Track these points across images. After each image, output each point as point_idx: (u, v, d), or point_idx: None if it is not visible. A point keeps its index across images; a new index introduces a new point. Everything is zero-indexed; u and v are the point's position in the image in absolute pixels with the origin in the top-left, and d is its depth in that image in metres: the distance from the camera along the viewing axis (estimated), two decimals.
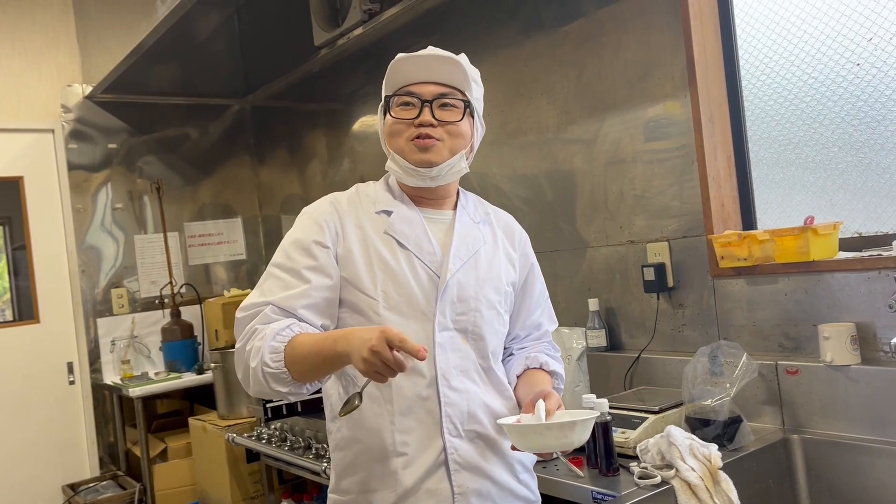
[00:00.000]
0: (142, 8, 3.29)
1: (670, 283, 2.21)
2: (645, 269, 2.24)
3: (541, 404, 1.24)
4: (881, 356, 1.76)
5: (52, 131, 4.00)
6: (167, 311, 4.08)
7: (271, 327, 1.28)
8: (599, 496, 1.61)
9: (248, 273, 4.57)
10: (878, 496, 1.69)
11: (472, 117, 1.42)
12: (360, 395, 1.21)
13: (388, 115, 1.40)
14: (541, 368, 1.47)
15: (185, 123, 4.39)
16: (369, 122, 3.60)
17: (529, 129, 2.66)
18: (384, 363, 1.12)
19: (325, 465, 2.41)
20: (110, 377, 3.97)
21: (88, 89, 4.01)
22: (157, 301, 4.13)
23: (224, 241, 4.48)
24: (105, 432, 4.08)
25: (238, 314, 1.34)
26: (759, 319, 2.00)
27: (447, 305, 1.36)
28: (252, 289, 4.16)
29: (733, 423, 1.79)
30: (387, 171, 1.47)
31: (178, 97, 4.35)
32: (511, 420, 1.29)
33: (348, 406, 1.21)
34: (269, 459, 2.99)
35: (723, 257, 2.02)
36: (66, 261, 4.01)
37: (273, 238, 4.55)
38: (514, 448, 1.28)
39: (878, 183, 1.88)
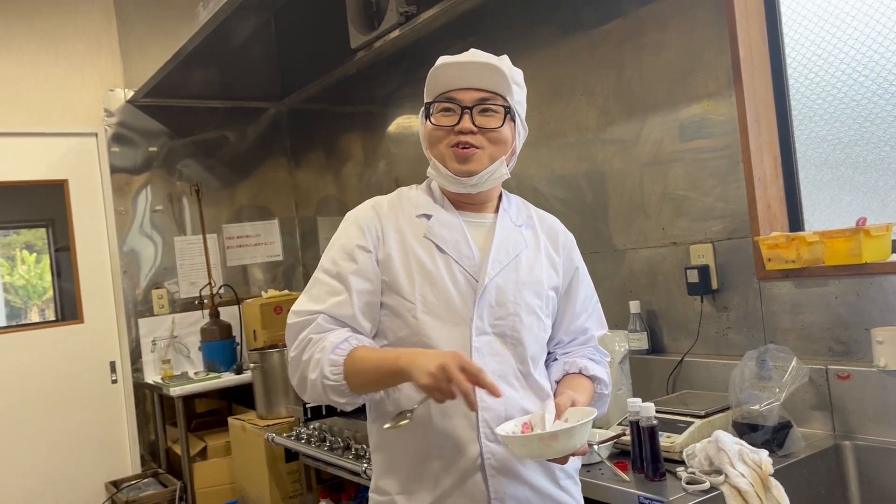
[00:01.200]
0: (181, 13, 3.34)
1: (714, 285, 2.18)
2: (688, 270, 2.21)
3: (546, 411, 1.26)
4: None
5: (96, 135, 4.08)
6: (206, 311, 4.13)
7: (329, 339, 1.31)
8: (646, 501, 1.59)
9: (284, 274, 4.61)
10: None
11: (514, 121, 1.41)
12: (411, 412, 1.24)
13: (428, 121, 1.40)
14: (580, 373, 1.45)
15: (222, 127, 4.45)
16: (405, 124, 3.61)
17: (568, 130, 2.64)
18: (449, 382, 1.14)
19: (366, 465, 2.42)
20: (151, 376, 4.04)
21: (130, 94, 4.09)
22: (196, 302, 4.19)
23: (261, 242, 4.53)
24: (146, 430, 4.14)
25: (290, 319, 1.37)
26: (807, 323, 1.96)
27: (485, 310, 1.36)
28: (288, 290, 4.16)
29: (783, 428, 1.75)
30: (428, 176, 1.47)
31: (215, 101, 4.41)
32: (508, 429, 1.28)
33: (398, 419, 1.24)
34: (307, 459, 3.02)
35: (769, 259, 1.99)
36: (109, 262, 4.09)
37: (309, 240, 4.59)
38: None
39: None
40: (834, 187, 2.04)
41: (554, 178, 2.72)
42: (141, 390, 4.11)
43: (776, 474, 1.59)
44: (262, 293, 4.11)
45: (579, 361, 1.46)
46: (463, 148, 1.35)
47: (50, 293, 4.09)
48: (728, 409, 1.87)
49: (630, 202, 2.44)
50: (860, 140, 1.96)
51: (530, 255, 1.44)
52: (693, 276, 2.19)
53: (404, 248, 1.39)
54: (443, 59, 1.39)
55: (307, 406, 2.78)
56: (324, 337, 1.32)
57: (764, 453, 1.60)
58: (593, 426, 1.98)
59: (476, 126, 1.35)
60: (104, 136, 4.07)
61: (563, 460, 1.26)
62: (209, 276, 4.22)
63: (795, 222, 2.10)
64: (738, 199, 2.10)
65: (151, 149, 4.19)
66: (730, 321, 2.17)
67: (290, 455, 3.22)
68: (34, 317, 4.05)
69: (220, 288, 4.25)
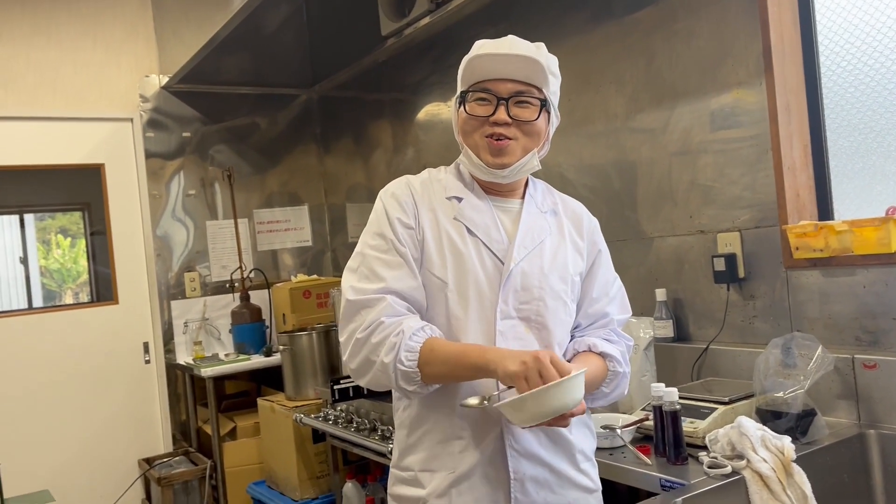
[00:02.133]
0: (216, 0, 3.40)
1: (741, 273, 2.18)
2: (715, 259, 2.21)
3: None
4: None
5: (131, 120, 4.16)
6: (237, 294, 4.21)
7: (407, 325, 1.32)
8: (668, 484, 1.61)
9: (313, 259, 4.67)
10: None
11: (548, 113, 1.42)
12: (489, 399, 1.29)
13: (462, 109, 1.40)
14: (589, 350, 1.45)
15: (254, 113, 4.51)
16: (434, 112, 3.63)
17: (597, 118, 2.65)
18: (538, 372, 1.19)
19: (391, 446, 2.46)
20: (183, 357, 4.13)
21: (164, 80, 4.16)
22: (227, 285, 4.27)
23: (291, 227, 4.60)
24: (177, 410, 4.24)
25: (351, 296, 1.36)
26: (834, 312, 1.96)
27: (510, 294, 1.38)
28: (317, 275, 4.19)
29: (807, 416, 1.76)
30: (457, 161, 1.49)
31: (247, 87, 4.47)
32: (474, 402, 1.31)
33: (468, 402, 1.29)
34: (334, 440, 3.07)
35: (797, 248, 1.98)
36: (143, 245, 4.18)
37: (338, 226, 4.64)
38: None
39: None
40: (865, 176, 2.02)
41: (582, 166, 2.73)
42: (173, 371, 4.21)
43: (799, 461, 1.60)
44: (292, 277, 4.17)
45: (588, 340, 1.46)
46: (497, 139, 1.36)
47: (83, 277, 4.19)
48: (752, 396, 1.88)
49: (658, 190, 2.45)
50: (893, 129, 1.95)
51: (554, 242, 1.46)
52: (720, 265, 2.20)
53: (437, 227, 1.40)
54: (480, 48, 1.38)
55: (335, 388, 2.83)
56: (399, 321, 1.33)
57: (787, 439, 1.61)
58: (618, 411, 2.01)
59: (511, 118, 1.36)
60: (139, 121, 4.15)
61: (563, 422, 1.26)
62: (240, 260, 4.30)
63: (825, 211, 2.09)
64: (766, 187, 2.10)
65: (185, 134, 4.27)
66: (756, 310, 2.17)
67: (318, 436, 3.28)
68: (68, 300, 4.16)
69: (250, 272, 4.33)
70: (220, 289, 4.30)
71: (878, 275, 1.86)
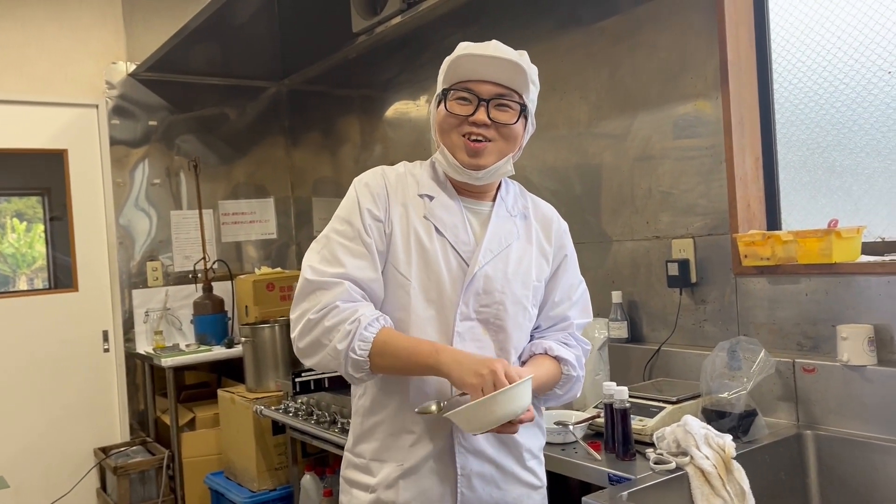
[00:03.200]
0: None
1: (693, 278, 2.27)
2: (669, 264, 2.30)
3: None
4: None
5: (97, 107, 4.12)
6: (199, 285, 4.20)
7: (362, 313, 1.33)
8: (615, 478, 1.68)
9: (277, 252, 4.68)
10: (888, 494, 1.74)
11: (525, 119, 1.44)
12: (444, 403, 1.31)
13: (442, 107, 1.41)
14: (545, 354, 1.47)
15: (222, 104, 4.50)
16: (403, 110, 3.67)
17: (561, 123, 2.72)
18: (493, 385, 1.22)
19: None
20: (143, 347, 4.11)
21: (132, 67, 4.13)
22: (190, 276, 4.26)
23: (256, 220, 4.60)
24: (135, 400, 4.22)
25: (309, 276, 1.37)
26: (778, 318, 2.06)
27: (472, 296, 1.40)
28: (281, 267, 4.19)
29: (748, 416, 1.85)
30: (432, 158, 1.51)
31: (216, 77, 4.45)
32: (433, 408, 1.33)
33: (425, 408, 1.32)
34: (294, 432, 3.10)
35: (746, 256, 2.07)
36: (105, 232, 4.15)
37: (304, 219, 4.66)
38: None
39: None
40: (811, 189, 2.12)
41: (545, 170, 2.80)
42: (132, 360, 4.19)
43: (739, 458, 1.68)
44: (256, 270, 4.17)
45: (544, 343, 1.48)
46: (475, 141, 1.38)
47: (39, 262, 4.14)
48: (699, 396, 1.97)
49: (617, 196, 2.52)
50: (837, 146, 2.05)
51: (521, 246, 1.48)
52: (673, 270, 2.28)
53: (406, 223, 1.41)
54: (465, 49, 1.40)
55: (296, 380, 2.86)
56: (355, 308, 1.33)
57: (728, 438, 1.70)
58: (572, 408, 2.07)
59: (490, 119, 1.38)
60: (105, 107, 4.12)
61: (512, 429, 1.29)
62: (204, 250, 4.29)
63: (773, 222, 2.19)
64: (719, 196, 2.19)
65: (151, 122, 4.24)
66: (706, 314, 2.26)
67: (278, 428, 3.30)
68: (22, 285, 4.10)
69: (213, 263, 4.32)
70: (183, 279, 4.28)
71: (819, 283, 1.96)
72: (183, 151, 4.34)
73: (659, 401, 1.97)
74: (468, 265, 1.41)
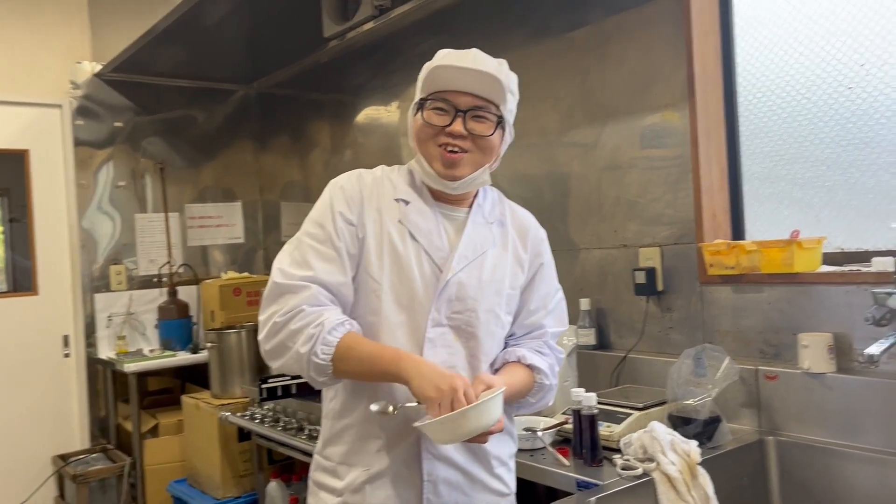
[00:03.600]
0: None
1: (660, 287, 2.31)
2: (636, 272, 2.33)
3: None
4: (855, 366, 1.85)
5: (60, 107, 4.05)
6: (164, 290, 4.14)
7: (327, 317, 1.33)
8: (584, 484, 1.70)
9: (244, 256, 4.64)
10: (846, 498, 1.78)
11: (503, 130, 1.44)
12: (400, 407, 1.32)
13: (419, 116, 1.41)
14: (518, 362, 1.48)
15: (190, 106, 4.45)
16: (374, 115, 3.67)
17: (532, 132, 2.74)
18: (451, 401, 1.23)
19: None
20: (105, 352, 4.03)
21: (98, 67, 4.07)
22: (155, 280, 4.19)
23: (223, 224, 4.55)
24: (96, 406, 4.14)
25: (278, 279, 1.37)
26: (742, 326, 2.10)
27: (444, 303, 1.41)
28: (248, 272, 4.16)
29: (713, 422, 1.88)
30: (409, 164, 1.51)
31: (184, 79, 4.41)
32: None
33: (383, 407, 1.32)
34: (260, 439, 3.07)
35: (711, 265, 2.11)
36: (68, 235, 4.07)
37: (271, 224, 4.62)
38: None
39: (862, 202, 1.98)
40: (774, 201, 2.18)
41: (516, 177, 2.82)
42: (93, 365, 4.11)
43: (704, 464, 1.71)
44: (222, 274, 4.14)
45: (518, 351, 1.49)
46: (451, 152, 1.38)
47: (1, 264, 4.05)
48: (665, 402, 2.00)
49: (586, 204, 2.56)
50: (799, 158, 2.10)
51: (496, 254, 1.48)
52: (641, 278, 2.31)
53: (380, 228, 1.41)
54: (443, 59, 1.39)
55: (263, 387, 2.83)
56: (320, 312, 1.33)
57: (693, 444, 1.72)
58: (540, 414, 2.09)
59: (467, 130, 1.38)
60: (69, 108, 4.05)
61: (482, 439, 1.30)
62: (169, 254, 4.23)
63: (738, 232, 2.24)
64: (686, 206, 2.23)
65: (117, 124, 4.18)
66: (672, 321, 2.29)
67: (243, 435, 3.27)
68: None
69: (179, 267, 4.26)
70: (147, 283, 4.22)
71: (781, 293, 2.00)
72: (149, 154, 4.28)
73: (626, 407, 1.99)
74: (441, 271, 1.41)
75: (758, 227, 2.22)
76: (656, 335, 2.34)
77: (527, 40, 2.75)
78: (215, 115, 4.54)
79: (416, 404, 1.31)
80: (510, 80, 1.43)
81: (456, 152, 1.38)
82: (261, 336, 1.39)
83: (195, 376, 4.23)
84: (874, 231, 1.95)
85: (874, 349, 1.58)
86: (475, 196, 1.51)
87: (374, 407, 1.32)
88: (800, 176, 2.11)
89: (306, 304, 1.33)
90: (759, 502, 1.89)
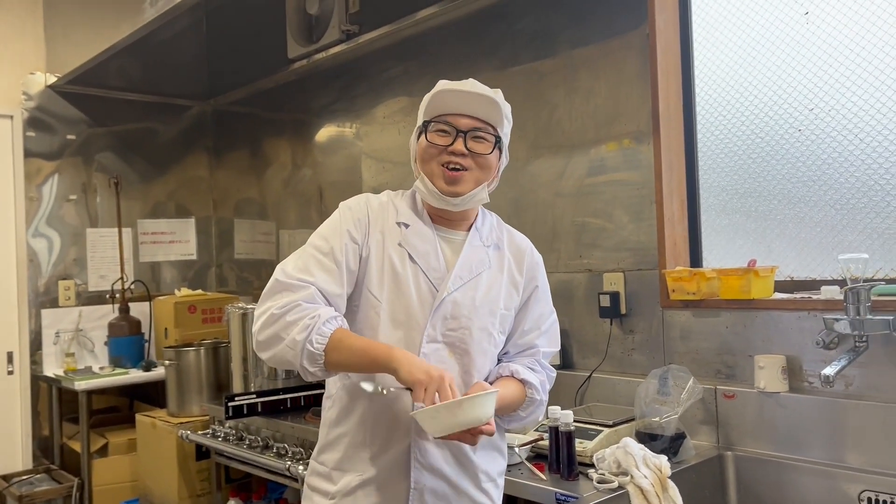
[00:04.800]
0: (115, 6, 3.35)
1: (623, 310, 2.44)
2: (601, 296, 2.46)
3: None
4: (806, 386, 2.02)
5: (11, 117, 3.95)
6: (116, 306, 4.06)
7: (322, 310, 1.41)
8: (563, 497, 1.80)
9: (197, 273, 4.59)
10: None
11: (500, 151, 1.55)
12: (390, 389, 1.39)
13: (423, 138, 1.51)
14: (511, 377, 1.55)
15: (144, 120, 4.41)
16: (336, 136, 3.72)
17: None
18: (436, 389, 1.31)
19: (289, 463, 2.51)
20: (52, 369, 3.93)
21: (51, 79, 4.00)
22: (107, 296, 4.11)
23: (176, 240, 4.50)
24: (38, 425, 4.02)
25: (280, 277, 1.45)
26: (701, 348, 2.24)
27: (439, 320, 1.49)
28: (202, 289, 4.17)
29: (678, 438, 2.01)
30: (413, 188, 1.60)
31: (139, 94, 4.37)
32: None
33: (374, 387, 1.39)
34: (220, 457, 3.06)
35: (674, 290, 2.26)
36: (14, 249, 3.96)
37: (225, 240, 4.60)
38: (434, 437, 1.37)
39: (810, 235, 2.16)
40: (729, 231, 2.34)
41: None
42: (37, 383, 3.99)
43: (672, 477, 1.83)
44: (176, 291, 4.10)
45: (512, 366, 1.56)
46: (453, 169, 1.47)
47: None
48: (633, 419, 2.12)
49: (552, 230, 2.68)
50: (753, 193, 2.27)
51: (492, 276, 1.56)
52: (605, 301, 2.44)
53: (382, 249, 1.51)
54: (445, 85, 1.50)
55: (230, 404, 2.83)
56: (316, 307, 1.42)
57: (664, 458, 1.84)
58: (516, 432, 2.18)
59: (468, 149, 1.47)
60: (20, 118, 3.96)
61: (472, 439, 1.35)
62: (122, 270, 4.16)
63: (696, 259, 2.39)
64: (648, 235, 2.37)
65: (69, 136, 4.11)
66: (634, 343, 2.43)
67: (201, 453, 3.24)
68: None
69: (131, 283, 4.20)
70: (97, 299, 4.13)
71: (738, 317, 2.16)
72: (102, 167, 4.22)
73: (596, 424, 2.10)
74: (438, 290, 1.50)
75: (714, 256, 2.38)
76: (619, 356, 2.47)
77: (496, 71, 2.87)
78: (169, 130, 4.51)
79: (404, 388, 1.38)
80: (506, 106, 1.55)
81: (458, 170, 1.48)
82: (255, 327, 1.46)
83: (143, 394, 4.16)
84: (821, 261, 2.13)
85: (829, 370, 1.74)
86: (474, 219, 1.60)
87: (366, 385, 1.40)
88: (753, 209, 2.28)
89: (303, 300, 1.42)
90: None
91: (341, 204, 1.56)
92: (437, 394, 1.31)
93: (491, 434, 1.38)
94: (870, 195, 2.03)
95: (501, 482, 1.63)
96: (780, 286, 2.18)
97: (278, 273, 1.47)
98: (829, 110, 2.10)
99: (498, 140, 1.52)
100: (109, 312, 4.09)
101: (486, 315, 1.53)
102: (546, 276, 1.69)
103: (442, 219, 1.56)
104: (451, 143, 1.48)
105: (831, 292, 1.98)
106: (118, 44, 3.34)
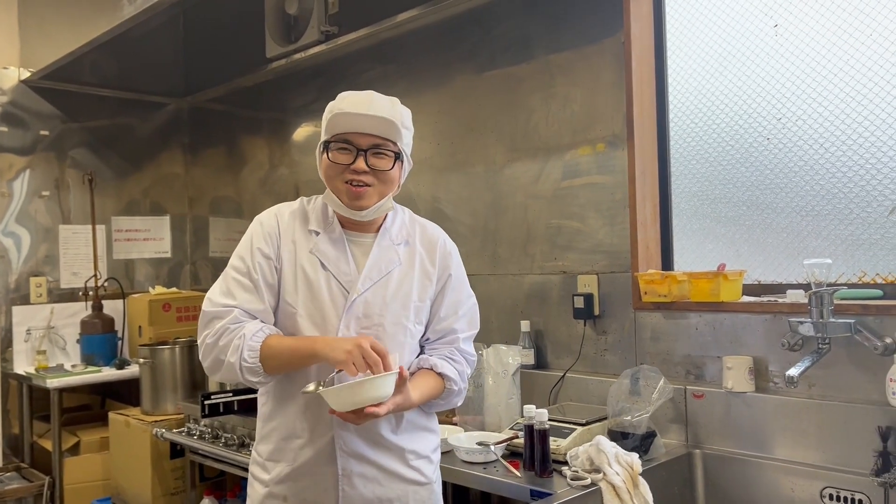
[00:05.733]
0: (91, 2, 3.34)
1: (596, 311, 2.49)
2: (575, 297, 2.51)
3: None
4: (771, 386, 2.09)
5: None
6: (89, 303, 4.03)
7: (248, 328, 1.54)
8: (537, 493, 1.84)
9: (171, 272, 4.57)
10: (763, 503, 2.00)
11: (402, 162, 1.62)
12: (323, 383, 1.51)
13: (325, 157, 1.58)
14: (431, 370, 1.65)
15: (119, 116, 4.38)
16: (314, 136, 3.74)
17: (477, 162, 2.90)
18: (363, 357, 1.44)
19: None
20: (22, 367, 3.89)
21: (25, 73, 3.96)
22: (80, 293, 4.08)
23: (150, 237, 4.48)
24: (8, 423, 3.97)
25: (206, 308, 1.59)
26: (671, 349, 2.31)
27: (352, 320, 1.59)
28: (176, 287, 4.22)
29: (649, 436, 2.07)
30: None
31: (114, 90, 4.33)
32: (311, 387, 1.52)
33: (307, 388, 1.50)
34: (195, 455, 3.06)
35: (646, 292, 2.32)
36: None
37: (200, 238, 4.58)
38: (331, 412, 1.49)
39: (777, 240, 2.23)
40: (700, 236, 2.41)
41: (460, 204, 2.97)
42: (6, 381, 3.94)
43: (643, 474, 1.89)
44: (150, 289, 4.08)
45: (431, 359, 1.67)
46: (356, 186, 1.55)
47: None
48: (605, 418, 2.17)
49: (528, 233, 2.73)
50: (723, 199, 2.34)
51: (402, 272, 1.65)
52: (579, 303, 2.50)
53: (294, 258, 1.61)
54: (343, 105, 1.55)
55: (206, 403, 2.84)
56: (241, 326, 1.55)
57: (635, 456, 1.90)
58: (486, 429, 2.23)
59: (369, 167, 1.55)
60: None
61: (363, 418, 1.47)
62: (95, 267, 4.13)
63: (667, 263, 2.45)
64: (622, 238, 2.43)
65: (43, 132, 4.07)
66: (607, 344, 2.48)
67: (175, 452, 3.24)
68: None
69: (105, 281, 4.17)
70: (69, 296, 4.10)
71: (707, 319, 2.22)
72: (75, 163, 4.18)
73: (569, 422, 2.16)
74: (349, 292, 1.60)
75: (685, 259, 2.44)
76: (592, 356, 2.52)
77: (474, 74, 2.91)
78: (145, 127, 4.48)
79: (336, 373, 1.51)
80: (404, 117, 1.61)
81: (360, 186, 1.56)
82: (200, 357, 1.60)
83: (115, 392, 4.14)
84: (787, 266, 2.21)
85: (794, 371, 1.81)
86: (382, 221, 1.69)
87: (305, 390, 1.51)
88: (723, 214, 2.35)
89: (230, 323, 1.55)
90: None
91: (255, 219, 1.67)
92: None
93: (377, 416, 1.47)
94: (833, 202, 2.11)
95: (436, 458, 1.74)
96: (748, 289, 2.25)
97: (205, 303, 1.60)
98: (797, 120, 2.18)
99: (398, 154, 1.60)
100: (82, 310, 4.06)
101: (398, 310, 1.63)
102: (461, 265, 1.77)
103: (351, 222, 1.65)
104: (353, 162, 1.55)
105: (796, 296, 2.05)
106: (95, 40, 3.32)
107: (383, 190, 1.59)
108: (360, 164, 1.54)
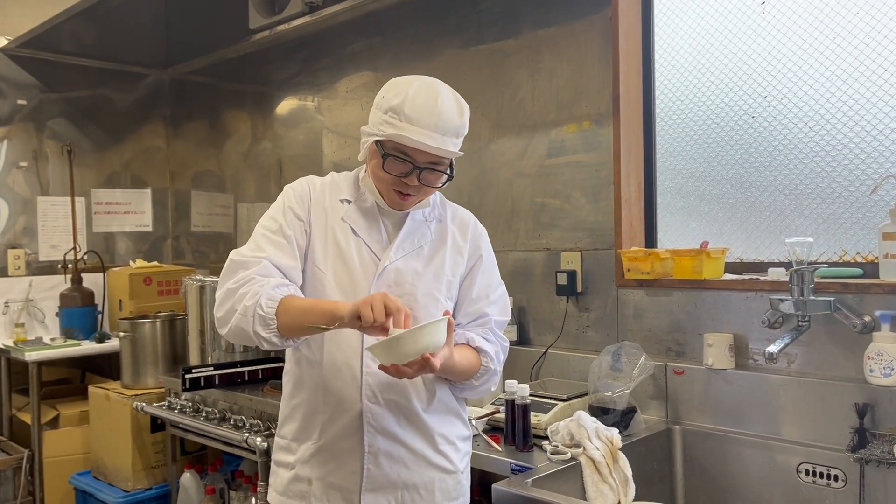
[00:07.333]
0: None
1: (579, 288, 2.50)
2: (558, 274, 2.51)
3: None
4: (750, 363, 2.10)
5: None
6: (68, 276, 3.99)
7: (273, 280, 1.49)
8: (518, 468, 1.85)
9: (152, 245, 4.53)
10: (740, 478, 2.03)
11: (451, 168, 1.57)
12: (336, 325, 1.40)
13: (378, 158, 1.50)
14: (467, 344, 1.59)
15: (99, 87, 4.31)
16: (298, 109, 3.70)
17: None
18: (382, 307, 1.33)
19: (247, 435, 2.52)
20: (0, 340, 3.84)
21: (2, 41, 3.88)
22: (59, 266, 4.03)
23: (131, 210, 4.43)
24: None
25: (233, 257, 1.54)
26: (653, 326, 2.32)
27: (383, 287, 1.54)
28: (157, 261, 4.19)
29: (629, 412, 2.08)
30: (362, 165, 1.65)
31: (93, 59, 4.26)
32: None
33: (322, 325, 1.41)
34: (176, 429, 3.05)
35: (629, 270, 2.32)
36: None
37: (182, 211, 4.53)
38: (382, 368, 1.39)
39: (759, 218, 2.24)
40: (683, 214, 2.41)
41: None
42: None
43: (622, 449, 1.90)
44: (131, 262, 4.03)
45: (467, 334, 1.61)
46: (403, 195, 1.53)
47: None
48: (586, 394, 2.18)
49: (512, 209, 2.72)
50: (707, 177, 2.34)
51: (434, 246, 1.63)
52: (562, 279, 2.50)
53: (325, 224, 1.59)
54: (410, 114, 1.45)
55: (186, 377, 2.82)
56: (268, 279, 1.49)
57: (615, 431, 1.91)
58: (472, 404, 2.23)
59: (420, 182, 1.50)
60: None
61: (412, 371, 1.36)
62: (74, 240, 4.08)
63: (651, 240, 2.46)
64: (606, 215, 2.43)
65: (20, 101, 3.99)
66: (589, 321, 2.49)
67: (156, 426, 3.23)
68: None
69: (85, 254, 4.12)
70: (48, 269, 4.05)
71: (689, 297, 2.23)
72: (54, 134, 4.11)
73: (551, 398, 2.16)
74: (380, 259, 1.57)
75: (668, 237, 2.45)
76: (574, 333, 2.53)
77: (460, 49, 2.88)
78: (126, 98, 4.41)
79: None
80: (465, 129, 1.55)
81: (408, 196, 1.54)
82: (215, 307, 1.53)
83: (95, 366, 4.11)
84: (769, 244, 2.22)
85: (773, 348, 1.82)
86: None
87: (316, 324, 1.41)
88: (707, 192, 2.35)
89: (258, 273, 1.50)
90: (665, 483, 2.11)
91: (286, 186, 1.64)
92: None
93: (434, 370, 1.37)
94: (816, 181, 2.12)
95: (464, 447, 1.68)
96: (730, 267, 2.25)
97: (233, 254, 1.56)
98: (782, 98, 2.17)
99: (450, 167, 1.56)
100: (61, 283, 4.01)
101: (430, 281, 1.59)
102: (492, 251, 1.74)
103: None
104: (407, 175, 1.50)
105: (777, 274, 2.06)
106: (73, 7, 3.25)
107: (426, 195, 1.58)
108: (413, 180, 1.50)
